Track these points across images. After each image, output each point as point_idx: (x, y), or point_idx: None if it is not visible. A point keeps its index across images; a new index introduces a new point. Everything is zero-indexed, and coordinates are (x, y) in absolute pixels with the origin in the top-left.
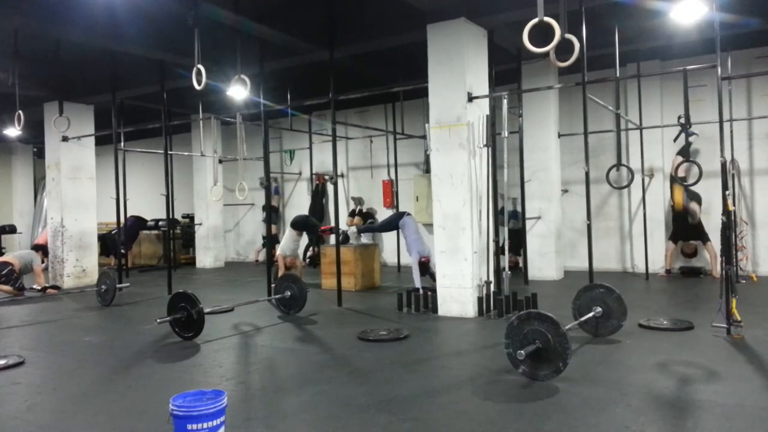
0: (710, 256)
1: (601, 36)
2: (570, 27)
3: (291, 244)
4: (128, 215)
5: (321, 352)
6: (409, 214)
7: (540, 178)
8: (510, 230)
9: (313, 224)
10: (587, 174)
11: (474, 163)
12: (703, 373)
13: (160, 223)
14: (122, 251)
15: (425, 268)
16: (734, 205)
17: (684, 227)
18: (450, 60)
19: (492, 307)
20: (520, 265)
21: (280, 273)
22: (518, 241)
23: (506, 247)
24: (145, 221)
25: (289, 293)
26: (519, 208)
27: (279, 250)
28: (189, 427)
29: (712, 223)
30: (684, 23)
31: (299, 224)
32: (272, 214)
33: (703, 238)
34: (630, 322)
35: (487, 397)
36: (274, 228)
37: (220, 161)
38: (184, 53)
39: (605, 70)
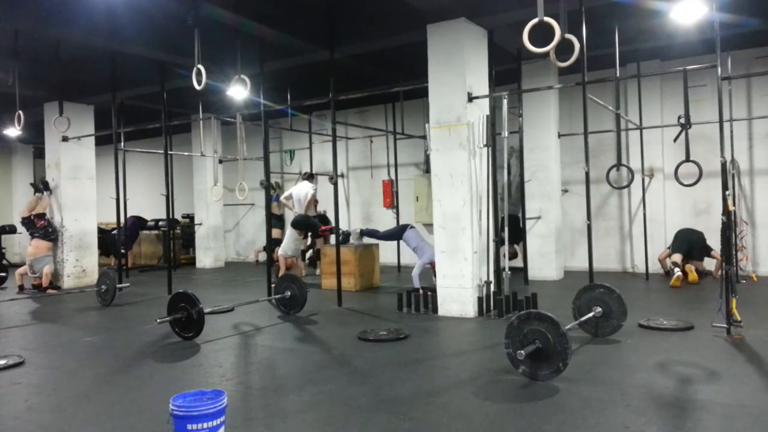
0: (716, 262)
1: (601, 36)
2: (570, 27)
3: (293, 244)
4: (128, 215)
5: (321, 352)
6: (412, 227)
7: (540, 178)
8: (509, 216)
9: (313, 224)
10: (587, 174)
11: (474, 163)
12: (703, 373)
13: (160, 223)
14: (123, 251)
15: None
16: (734, 205)
17: (686, 244)
18: (450, 60)
19: (492, 307)
20: (519, 255)
21: (281, 273)
22: (517, 228)
23: (506, 236)
24: (145, 221)
25: (289, 293)
26: (516, 168)
27: (281, 250)
28: (189, 427)
29: (712, 223)
30: (684, 23)
31: (300, 224)
32: (275, 221)
33: (702, 254)
34: (630, 322)
35: (487, 397)
36: (277, 232)
37: (220, 161)
38: (184, 53)
39: (605, 70)
